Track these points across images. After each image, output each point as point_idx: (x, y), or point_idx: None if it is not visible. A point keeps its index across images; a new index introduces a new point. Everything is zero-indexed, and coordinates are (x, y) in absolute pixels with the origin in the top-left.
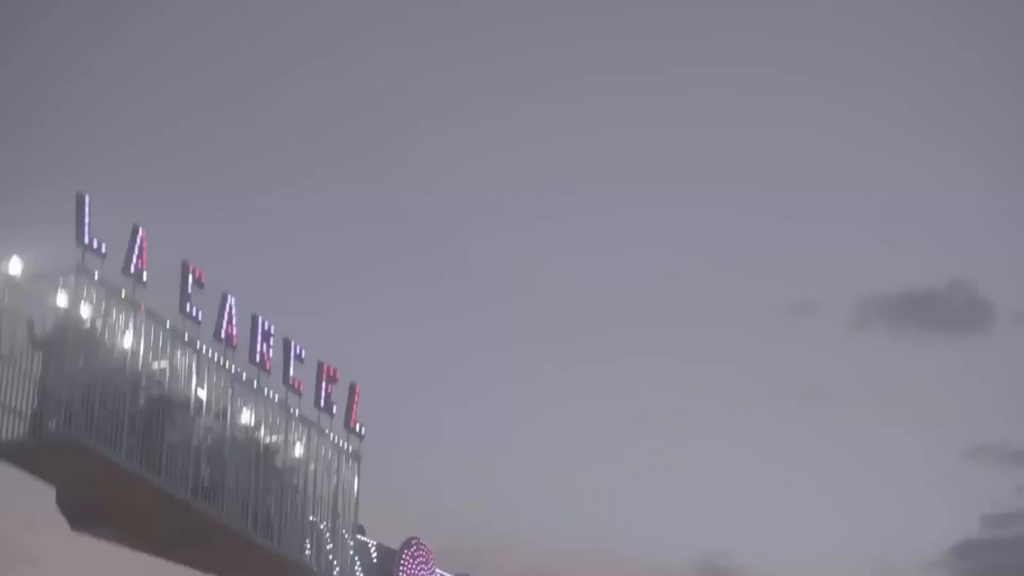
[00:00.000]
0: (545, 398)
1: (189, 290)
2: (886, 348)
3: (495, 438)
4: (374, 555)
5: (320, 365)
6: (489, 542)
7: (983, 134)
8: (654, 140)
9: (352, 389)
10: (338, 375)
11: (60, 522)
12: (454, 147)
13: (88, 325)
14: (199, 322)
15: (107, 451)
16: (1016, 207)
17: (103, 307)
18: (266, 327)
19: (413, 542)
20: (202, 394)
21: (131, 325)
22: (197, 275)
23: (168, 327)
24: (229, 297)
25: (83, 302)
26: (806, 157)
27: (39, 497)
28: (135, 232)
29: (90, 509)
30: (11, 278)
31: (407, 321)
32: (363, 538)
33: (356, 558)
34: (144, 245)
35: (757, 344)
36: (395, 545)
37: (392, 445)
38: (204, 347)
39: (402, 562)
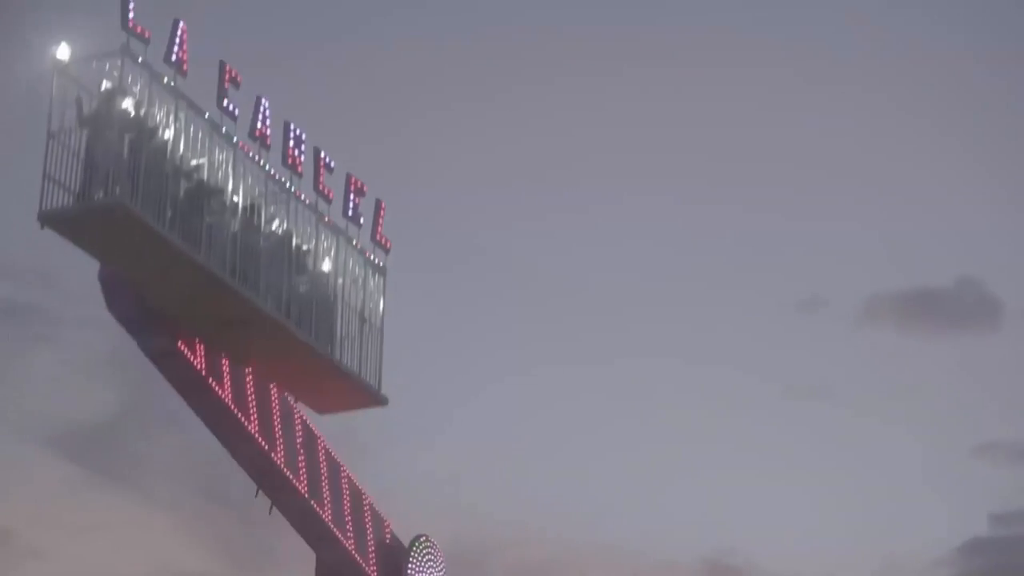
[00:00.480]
0: (553, 395)
1: (226, 87)
2: (894, 346)
3: (503, 434)
4: (387, 537)
5: (348, 176)
6: (497, 537)
7: (992, 131)
8: (661, 138)
9: (378, 204)
10: (365, 188)
11: (67, 518)
12: (457, 141)
13: (132, 106)
14: (235, 118)
15: (151, 219)
16: None
17: (147, 92)
18: (297, 133)
19: (422, 538)
20: (237, 189)
21: (172, 111)
22: (233, 74)
23: (207, 118)
24: (263, 100)
25: (128, 84)
26: (812, 154)
27: (46, 493)
28: (176, 25)
29: (130, 288)
30: (59, 62)
31: (411, 315)
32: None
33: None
34: (184, 38)
35: (764, 342)
36: (404, 540)
37: (399, 440)
38: (239, 142)
39: (411, 560)
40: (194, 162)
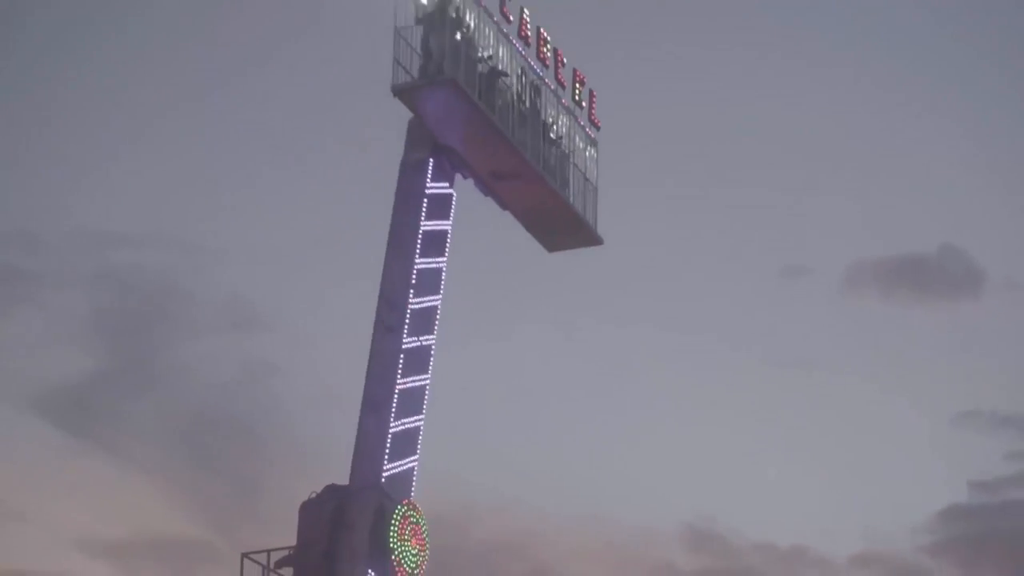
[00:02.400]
0: (532, 361)
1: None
2: (877, 314)
3: (486, 402)
4: None
5: (573, 71)
6: (479, 505)
7: (974, 102)
8: (647, 115)
9: (591, 92)
10: (586, 79)
11: (46, 483)
12: None
13: (454, 10)
14: (510, 21)
15: (471, 93)
16: (1008, 174)
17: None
18: (545, 36)
19: (404, 502)
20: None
21: (475, 15)
22: None
23: (495, 20)
24: (524, 9)
25: None
26: (797, 123)
27: (27, 457)
28: None
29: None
30: None
31: None
32: None
33: None
34: None
35: (747, 309)
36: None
37: None
38: (513, 42)
39: (394, 524)
40: (487, 53)
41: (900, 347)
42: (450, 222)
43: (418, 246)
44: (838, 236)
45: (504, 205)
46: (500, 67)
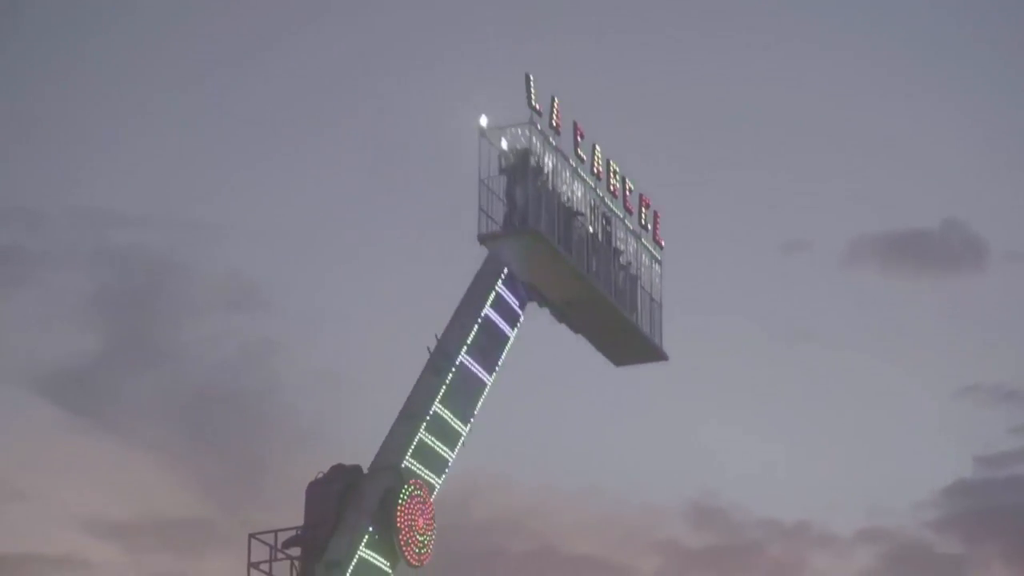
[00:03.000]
0: (537, 339)
1: (578, 138)
2: (878, 287)
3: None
4: None
5: (640, 196)
6: (483, 479)
7: (976, 76)
8: (648, 92)
9: (655, 214)
10: (650, 202)
11: (50, 463)
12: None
13: (536, 161)
14: (583, 160)
15: (551, 239)
16: (1011, 147)
17: (540, 148)
18: (615, 171)
19: (412, 483)
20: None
21: (554, 162)
22: (580, 129)
23: (571, 163)
24: (596, 145)
25: (533, 145)
26: (798, 95)
27: (29, 435)
28: (551, 99)
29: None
30: (483, 127)
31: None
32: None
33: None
34: (558, 109)
35: (749, 283)
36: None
37: (384, 379)
38: (586, 178)
39: (400, 501)
40: (566, 195)
41: (903, 322)
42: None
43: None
44: (839, 211)
45: (576, 329)
46: (576, 208)
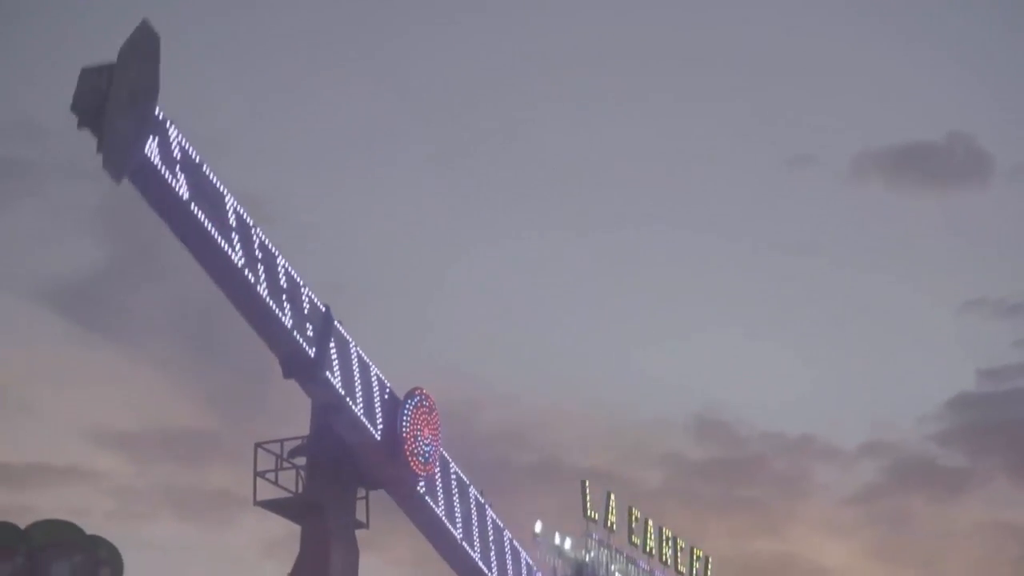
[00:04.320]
0: (541, 257)
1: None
2: (883, 201)
3: (497, 295)
4: (386, 395)
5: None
6: (485, 395)
7: None
8: (655, 31)
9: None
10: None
11: (56, 375)
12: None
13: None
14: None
15: None
16: (1018, 60)
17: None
18: None
19: (417, 392)
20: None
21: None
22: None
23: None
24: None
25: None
26: (803, 11)
27: (36, 348)
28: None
29: None
30: (536, 534)
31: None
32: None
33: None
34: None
35: (752, 198)
36: (399, 390)
37: (399, 295)
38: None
39: (406, 410)
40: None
41: (907, 236)
42: None
43: None
44: (844, 124)
45: None
46: None
